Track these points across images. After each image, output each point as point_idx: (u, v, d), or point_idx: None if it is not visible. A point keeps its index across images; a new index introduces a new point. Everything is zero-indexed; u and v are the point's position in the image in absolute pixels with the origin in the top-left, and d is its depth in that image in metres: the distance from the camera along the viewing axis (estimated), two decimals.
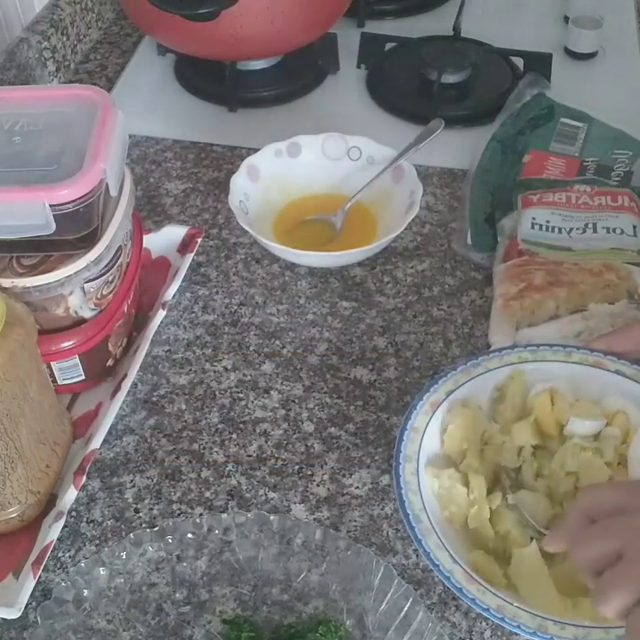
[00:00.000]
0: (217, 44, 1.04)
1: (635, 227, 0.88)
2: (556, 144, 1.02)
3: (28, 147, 0.74)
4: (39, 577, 0.67)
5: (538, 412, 0.73)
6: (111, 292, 0.79)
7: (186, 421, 0.80)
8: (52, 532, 0.69)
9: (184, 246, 0.91)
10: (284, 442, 0.78)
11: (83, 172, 0.71)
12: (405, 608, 0.63)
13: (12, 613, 0.65)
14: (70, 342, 0.76)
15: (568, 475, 0.71)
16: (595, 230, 0.89)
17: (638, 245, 0.87)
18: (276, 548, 0.68)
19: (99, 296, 0.77)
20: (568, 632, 0.61)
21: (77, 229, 0.72)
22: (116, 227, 0.76)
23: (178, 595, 0.68)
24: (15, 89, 0.92)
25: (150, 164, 1.05)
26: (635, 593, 0.53)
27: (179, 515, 0.73)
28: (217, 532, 0.68)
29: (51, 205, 0.70)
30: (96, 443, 0.74)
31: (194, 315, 0.89)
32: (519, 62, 1.14)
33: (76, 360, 0.77)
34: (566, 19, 1.21)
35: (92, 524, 0.73)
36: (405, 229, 0.90)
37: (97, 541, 0.72)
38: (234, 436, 0.79)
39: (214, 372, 0.84)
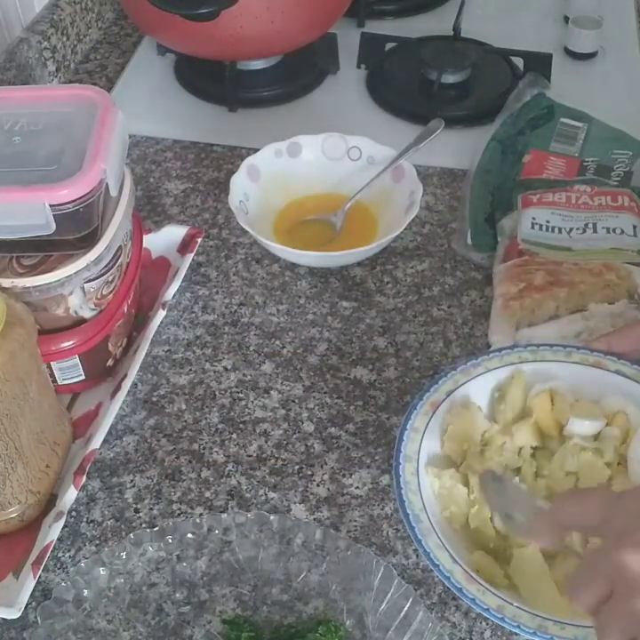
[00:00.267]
0: (217, 44, 1.04)
1: (635, 227, 0.88)
2: (555, 144, 1.02)
3: (28, 147, 0.74)
4: (39, 577, 0.67)
5: (538, 413, 0.73)
6: (111, 291, 0.79)
7: (186, 421, 0.80)
8: (52, 531, 0.69)
9: (184, 246, 0.91)
10: (284, 442, 0.78)
11: (83, 172, 0.71)
12: (405, 608, 0.63)
13: (12, 613, 0.65)
14: (70, 342, 0.76)
15: (568, 475, 0.71)
16: (595, 230, 0.89)
17: (638, 245, 0.87)
18: (275, 548, 0.68)
19: (99, 296, 0.77)
20: (568, 632, 0.61)
21: (77, 229, 0.72)
22: (116, 227, 0.76)
23: (178, 595, 0.68)
24: (15, 89, 0.92)
25: (150, 164, 1.05)
26: (627, 631, 0.53)
27: (179, 515, 0.73)
28: (217, 531, 0.68)
29: (51, 205, 0.70)
30: (96, 443, 0.74)
31: (194, 315, 0.89)
32: (519, 62, 1.14)
33: (76, 360, 0.77)
34: (566, 19, 1.21)
35: (91, 524, 0.73)
36: (405, 229, 0.90)
37: (97, 541, 0.72)
38: (234, 436, 0.79)
39: (214, 371, 0.84)
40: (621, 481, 0.70)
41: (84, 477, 0.72)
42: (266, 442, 0.78)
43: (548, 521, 0.59)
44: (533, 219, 0.90)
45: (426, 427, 0.72)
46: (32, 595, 0.67)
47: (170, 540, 0.68)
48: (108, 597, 0.66)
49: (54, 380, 0.77)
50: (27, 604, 0.66)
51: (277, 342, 0.86)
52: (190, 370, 0.84)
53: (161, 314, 0.84)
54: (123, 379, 0.79)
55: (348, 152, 0.98)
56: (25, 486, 0.70)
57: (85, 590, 0.65)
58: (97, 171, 0.72)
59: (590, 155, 1.00)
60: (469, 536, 0.68)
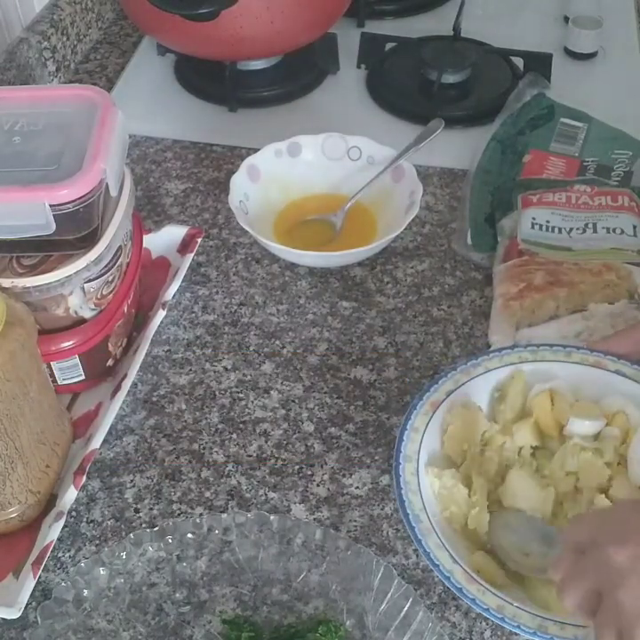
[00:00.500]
0: (217, 44, 1.04)
1: (635, 227, 0.88)
2: (555, 144, 1.02)
3: (28, 147, 0.74)
4: (39, 577, 0.67)
5: (538, 413, 0.73)
6: (111, 291, 0.79)
7: (186, 421, 0.80)
8: (52, 531, 0.69)
9: (184, 246, 0.91)
10: (284, 442, 0.78)
11: (83, 172, 0.71)
12: (405, 608, 0.63)
13: (12, 613, 0.65)
14: (70, 342, 0.76)
15: (568, 475, 0.71)
16: (595, 230, 0.89)
17: (638, 245, 0.87)
18: (275, 548, 0.68)
19: (99, 296, 0.77)
20: (568, 632, 0.61)
21: (77, 229, 0.72)
22: (116, 227, 0.76)
23: (178, 595, 0.68)
24: (15, 89, 0.92)
25: (150, 164, 1.05)
26: (616, 623, 0.54)
27: (179, 515, 0.73)
28: (217, 531, 0.68)
29: (51, 205, 0.70)
30: (96, 443, 0.74)
31: (194, 315, 0.89)
32: (519, 62, 1.14)
33: (76, 360, 0.77)
34: (566, 19, 1.21)
35: (91, 524, 0.73)
36: (405, 229, 0.90)
37: (97, 541, 0.72)
38: (234, 436, 0.79)
39: (214, 371, 0.84)
40: (621, 481, 0.70)
41: (84, 477, 0.72)
42: (266, 442, 0.78)
43: (565, 546, 0.59)
44: (533, 219, 0.90)
45: (426, 427, 0.72)
46: (32, 595, 0.67)
47: (170, 540, 0.68)
48: (108, 597, 0.66)
49: (54, 380, 0.77)
50: (27, 604, 0.66)
51: (277, 342, 0.86)
52: (190, 370, 0.84)
53: (161, 314, 0.84)
54: (123, 379, 0.79)
55: (348, 152, 0.98)
56: (25, 486, 0.70)
57: (85, 590, 0.65)
58: (97, 171, 0.72)
59: (590, 155, 1.00)
60: (469, 536, 0.68)
